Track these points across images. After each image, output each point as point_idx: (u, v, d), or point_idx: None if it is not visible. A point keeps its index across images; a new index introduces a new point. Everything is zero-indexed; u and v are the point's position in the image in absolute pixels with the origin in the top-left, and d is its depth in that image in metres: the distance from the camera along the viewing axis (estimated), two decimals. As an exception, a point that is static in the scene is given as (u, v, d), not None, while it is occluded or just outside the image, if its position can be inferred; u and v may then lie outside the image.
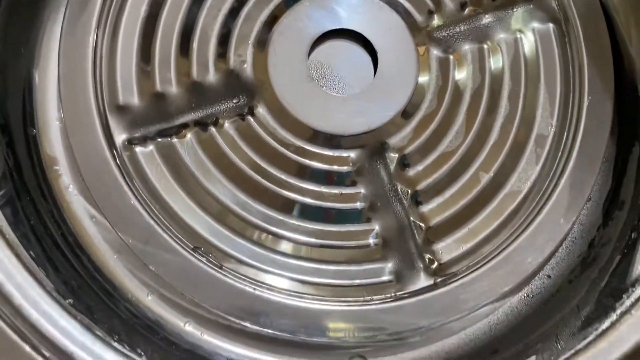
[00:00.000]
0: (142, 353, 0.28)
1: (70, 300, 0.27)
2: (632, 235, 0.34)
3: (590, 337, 0.27)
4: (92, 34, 0.37)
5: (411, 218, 0.37)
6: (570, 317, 0.33)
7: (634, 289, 0.29)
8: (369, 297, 0.36)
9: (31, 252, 0.29)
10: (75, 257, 0.35)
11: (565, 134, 0.38)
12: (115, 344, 0.26)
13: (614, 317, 0.28)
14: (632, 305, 0.28)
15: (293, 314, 0.35)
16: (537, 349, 0.31)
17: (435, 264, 0.37)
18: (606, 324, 0.28)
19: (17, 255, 0.27)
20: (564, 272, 0.38)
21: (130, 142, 0.36)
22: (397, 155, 0.38)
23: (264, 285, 0.35)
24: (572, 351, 0.27)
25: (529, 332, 0.35)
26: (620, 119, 0.39)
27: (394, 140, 0.38)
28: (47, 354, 0.25)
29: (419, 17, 0.39)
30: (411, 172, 0.37)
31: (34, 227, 0.33)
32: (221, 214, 0.36)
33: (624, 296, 0.29)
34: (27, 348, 0.25)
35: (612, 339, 0.27)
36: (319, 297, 0.36)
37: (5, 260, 0.27)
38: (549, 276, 0.38)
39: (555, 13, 0.39)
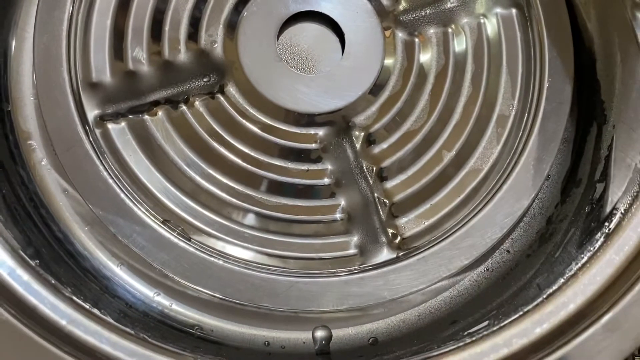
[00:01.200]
0: (109, 316, 0.29)
1: (37, 262, 0.28)
2: (587, 208, 0.35)
3: (538, 300, 0.29)
4: (67, 12, 0.37)
5: (375, 194, 0.38)
6: (527, 288, 0.35)
7: (582, 257, 0.30)
8: (334, 270, 0.37)
9: (0, 217, 0.29)
10: (47, 228, 0.36)
11: (526, 114, 0.39)
12: (80, 302, 0.27)
13: (561, 281, 0.29)
14: (579, 269, 0.29)
15: (259, 285, 0.36)
16: (491, 316, 0.32)
17: (398, 238, 0.38)
18: (554, 287, 0.29)
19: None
20: (522, 247, 0.39)
21: (102, 118, 0.37)
22: (362, 133, 0.38)
23: (231, 258, 0.36)
24: (520, 312, 0.28)
25: (487, 303, 0.36)
26: (579, 101, 0.40)
27: (360, 119, 0.38)
28: (11, 310, 0.26)
29: (385, 1, 0.39)
30: (376, 149, 0.38)
31: (5, 197, 0.33)
32: (190, 188, 0.37)
33: (572, 263, 0.30)
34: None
35: (558, 302, 0.28)
36: (284, 269, 0.37)
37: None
38: (508, 251, 0.39)
39: None
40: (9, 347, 0.25)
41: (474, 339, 0.28)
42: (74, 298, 0.28)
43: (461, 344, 0.28)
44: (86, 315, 0.28)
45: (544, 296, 0.29)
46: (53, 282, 0.28)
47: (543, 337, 0.27)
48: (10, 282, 0.27)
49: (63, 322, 0.27)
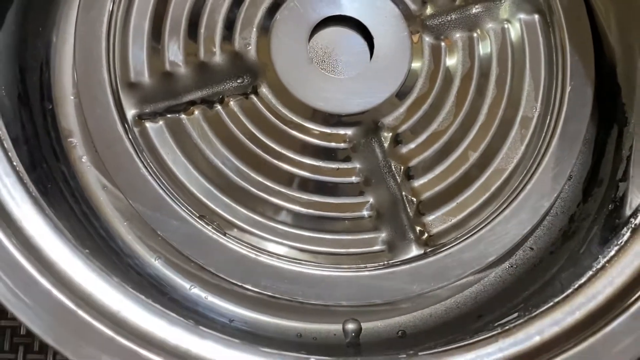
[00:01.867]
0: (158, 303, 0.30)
1: (87, 251, 0.30)
2: (610, 206, 0.37)
3: (568, 291, 0.30)
4: (106, 14, 0.39)
5: (403, 192, 0.39)
6: (552, 282, 0.36)
7: (609, 250, 0.32)
8: (363, 265, 0.38)
9: (52, 209, 0.31)
10: (88, 223, 0.37)
11: (549, 116, 0.40)
12: (129, 288, 0.29)
13: (589, 273, 0.31)
14: (607, 262, 0.31)
15: (292, 278, 0.37)
16: (519, 309, 0.33)
17: (426, 235, 0.39)
18: (583, 279, 0.30)
19: (42, 209, 0.29)
20: (546, 244, 0.40)
21: (140, 117, 0.39)
22: (390, 133, 0.40)
23: (264, 252, 0.38)
24: (551, 303, 0.30)
25: (513, 298, 0.37)
26: (599, 104, 0.41)
27: (388, 120, 0.40)
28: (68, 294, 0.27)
29: (413, 6, 0.41)
30: (404, 149, 0.40)
31: (49, 192, 0.35)
32: (226, 185, 0.38)
33: (600, 257, 0.31)
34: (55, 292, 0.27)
35: (588, 293, 0.30)
36: (315, 264, 0.38)
37: (30, 214, 0.29)
38: (531, 248, 0.40)
39: (540, 5, 0.42)
40: (69, 329, 0.26)
41: (506, 328, 0.30)
42: (124, 285, 0.29)
43: (494, 333, 0.30)
44: (135, 301, 0.29)
45: (575, 287, 0.30)
46: (103, 271, 0.29)
47: (574, 326, 0.29)
48: (68, 270, 0.28)
49: (115, 308, 0.28)
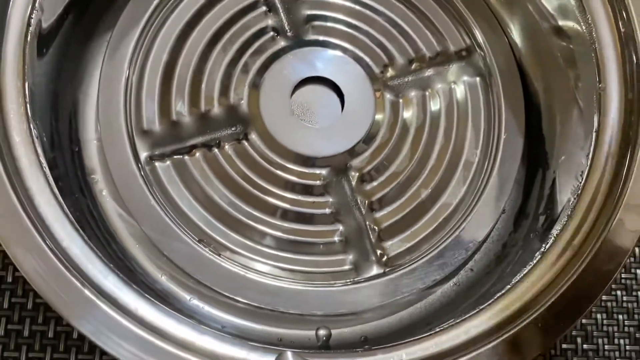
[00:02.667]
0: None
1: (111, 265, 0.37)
2: (531, 235, 0.45)
3: (491, 301, 0.38)
4: (125, 72, 0.46)
5: (367, 222, 0.47)
6: (485, 296, 0.44)
7: (522, 272, 0.40)
8: (333, 281, 0.46)
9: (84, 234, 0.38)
10: (108, 245, 0.44)
11: (487, 161, 0.48)
12: (143, 293, 0.36)
13: (508, 287, 0.39)
14: (522, 279, 0.39)
15: (274, 292, 0.44)
16: (457, 316, 0.41)
17: (385, 257, 0.47)
18: (502, 292, 0.39)
19: (78, 232, 0.37)
20: (483, 266, 0.47)
21: (151, 158, 0.46)
22: (357, 173, 0.47)
23: (251, 270, 0.45)
24: (477, 309, 0.38)
25: (454, 309, 0.45)
26: (528, 151, 0.49)
27: (356, 162, 0.47)
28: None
29: (376, 70, 0.49)
30: (368, 186, 0.47)
31: (78, 218, 0.42)
32: (220, 214, 0.46)
33: (517, 276, 0.40)
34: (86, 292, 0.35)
35: (506, 303, 0.38)
36: (294, 280, 0.45)
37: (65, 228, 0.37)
38: (472, 269, 0.47)
39: (481, 69, 0.50)
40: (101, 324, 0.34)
41: (442, 328, 0.38)
42: (141, 291, 0.37)
43: (431, 333, 0.38)
44: (150, 304, 0.37)
45: (495, 298, 0.38)
46: (124, 279, 0.37)
47: (494, 326, 0.37)
48: (102, 280, 0.36)
49: (133, 307, 0.36)
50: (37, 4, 0.40)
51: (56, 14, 0.43)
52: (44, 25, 0.41)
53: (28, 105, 0.38)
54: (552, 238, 0.40)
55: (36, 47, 0.41)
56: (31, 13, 0.40)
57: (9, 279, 0.47)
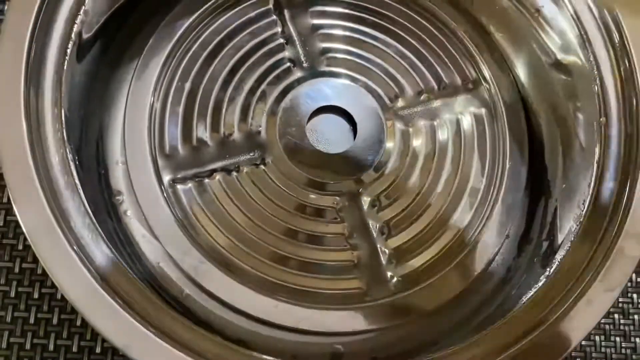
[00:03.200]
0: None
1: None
2: (535, 260, 0.47)
3: (496, 322, 0.41)
4: (150, 99, 0.48)
5: (378, 245, 0.49)
6: (491, 317, 0.46)
7: (527, 295, 0.42)
8: (345, 302, 0.47)
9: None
10: (132, 262, 0.47)
11: (492, 188, 0.50)
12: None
13: (513, 309, 0.41)
14: (523, 304, 0.41)
15: (288, 311, 0.46)
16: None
17: (395, 279, 0.49)
18: (509, 312, 0.41)
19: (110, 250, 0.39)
20: (487, 289, 0.49)
21: (174, 182, 0.48)
22: (369, 199, 0.50)
23: (268, 289, 0.47)
24: (483, 331, 0.40)
25: (462, 330, 0.47)
26: (532, 179, 0.51)
27: (367, 188, 0.49)
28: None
29: (387, 100, 0.51)
30: (379, 211, 0.49)
31: (104, 239, 0.44)
32: (238, 235, 0.47)
33: (519, 300, 0.42)
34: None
35: (512, 323, 0.40)
36: (307, 300, 0.47)
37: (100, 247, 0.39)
38: (476, 292, 0.49)
39: (487, 101, 0.52)
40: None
41: (448, 349, 0.40)
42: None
43: (438, 353, 0.40)
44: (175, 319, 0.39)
45: (501, 320, 0.41)
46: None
47: (500, 347, 0.39)
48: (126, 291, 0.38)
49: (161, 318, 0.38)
50: (78, 22, 0.43)
51: (90, 35, 0.45)
52: (78, 52, 0.44)
53: (64, 131, 0.40)
54: (557, 263, 0.43)
55: (70, 75, 0.43)
56: (68, 38, 0.42)
57: (36, 295, 0.49)
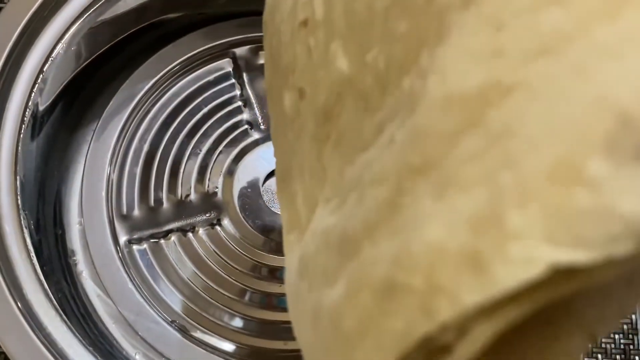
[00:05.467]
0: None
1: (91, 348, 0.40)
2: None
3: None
4: (107, 160, 0.50)
5: (330, 305, 0.51)
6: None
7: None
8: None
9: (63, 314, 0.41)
10: (85, 323, 0.47)
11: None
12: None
13: None
14: None
15: (242, 372, 0.48)
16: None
17: None
18: None
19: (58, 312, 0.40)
20: None
21: (130, 242, 0.49)
22: None
23: (220, 351, 0.48)
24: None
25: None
26: None
27: None
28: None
29: None
30: None
31: (59, 300, 0.45)
32: (192, 295, 0.48)
33: None
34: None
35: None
36: None
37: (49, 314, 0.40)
38: None
39: None
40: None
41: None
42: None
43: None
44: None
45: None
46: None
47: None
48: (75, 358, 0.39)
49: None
50: (35, 90, 0.44)
51: (48, 103, 0.47)
52: (38, 115, 0.45)
53: (19, 197, 0.41)
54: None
55: (29, 138, 0.44)
56: (28, 101, 0.43)
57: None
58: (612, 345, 0.56)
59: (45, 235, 0.48)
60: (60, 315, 0.40)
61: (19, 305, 0.38)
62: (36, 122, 0.44)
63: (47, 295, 0.40)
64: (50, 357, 0.38)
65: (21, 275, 0.40)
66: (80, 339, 0.40)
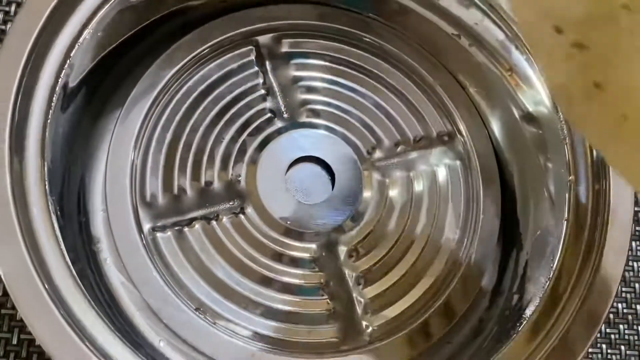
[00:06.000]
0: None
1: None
2: (506, 312, 0.49)
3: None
4: (131, 148, 0.49)
5: (354, 294, 0.50)
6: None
7: (502, 348, 0.43)
8: (321, 350, 0.49)
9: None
10: (110, 310, 0.47)
11: (465, 239, 0.52)
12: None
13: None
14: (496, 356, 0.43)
15: (263, 359, 0.48)
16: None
17: (370, 328, 0.49)
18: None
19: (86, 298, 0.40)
20: (460, 340, 0.50)
21: (153, 230, 0.49)
22: (345, 248, 0.51)
23: (244, 337, 0.48)
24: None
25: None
26: (503, 232, 0.53)
27: (344, 238, 0.51)
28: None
29: (364, 151, 0.53)
30: (356, 261, 0.50)
31: (83, 290, 0.44)
32: (216, 283, 0.48)
33: (494, 354, 0.43)
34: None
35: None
36: (283, 348, 0.48)
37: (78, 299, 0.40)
38: (449, 342, 0.51)
39: (462, 154, 0.54)
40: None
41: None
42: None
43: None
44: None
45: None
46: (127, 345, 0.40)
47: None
48: (103, 343, 0.39)
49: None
50: (62, 75, 0.44)
51: (74, 88, 0.46)
52: (63, 102, 0.45)
53: (47, 183, 0.41)
54: (526, 319, 0.44)
55: (55, 125, 0.44)
56: (53, 92, 0.43)
57: (14, 341, 0.49)
58: (617, 336, 0.56)
59: (70, 222, 0.48)
60: (89, 301, 0.40)
61: (47, 288, 0.38)
62: (65, 102, 0.44)
63: (75, 280, 0.40)
64: (80, 343, 0.38)
65: (50, 261, 0.39)
66: (109, 325, 0.39)
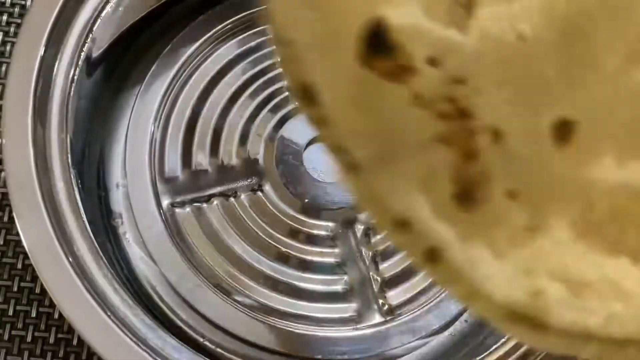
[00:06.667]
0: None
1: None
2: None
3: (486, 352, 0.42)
4: (150, 124, 0.50)
5: (370, 273, 0.50)
6: (482, 344, 0.47)
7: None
8: (336, 327, 0.49)
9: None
10: (128, 283, 0.48)
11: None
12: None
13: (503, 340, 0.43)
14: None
15: (280, 334, 0.48)
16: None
17: (387, 306, 0.50)
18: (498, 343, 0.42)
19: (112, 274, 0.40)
20: (475, 321, 0.51)
21: (172, 205, 0.49)
22: (362, 227, 0.51)
23: (261, 313, 0.48)
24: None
25: (451, 357, 0.49)
26: None
27: (361, 216, 0.51)
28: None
29: None
30: (372, 239, 0.51)
31: (105, 263, 0.45)
32: (234, 260, 0.49)
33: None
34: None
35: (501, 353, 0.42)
36: (299, 324, 0.48)
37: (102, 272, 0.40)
38: (466, 320, 0.51)
39: None
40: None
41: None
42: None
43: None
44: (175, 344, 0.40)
45: (490, 350, 0.42)
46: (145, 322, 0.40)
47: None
48: (126, 315, 0.39)
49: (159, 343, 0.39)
50: (85, 49, 0.44)
51: (95, 62, 0.46)
52: (87, 71, 0.45)
53: (69, 155, 0.41)
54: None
55: (76, 100, 0.44)
56: (76, 66, 0.43)
57: (33, 314, 0.50)
58: None
59: (90, 197, 0.48)
60: (111, 274, 0.40)
61: (71, 260, 0.39)
62: (84, 80, 0.44)
63: (98, 253, 0.40)
64: (103, 315, 0.38)
65: (72, 232, 0.40)
66: (129, 298, 0.40)
